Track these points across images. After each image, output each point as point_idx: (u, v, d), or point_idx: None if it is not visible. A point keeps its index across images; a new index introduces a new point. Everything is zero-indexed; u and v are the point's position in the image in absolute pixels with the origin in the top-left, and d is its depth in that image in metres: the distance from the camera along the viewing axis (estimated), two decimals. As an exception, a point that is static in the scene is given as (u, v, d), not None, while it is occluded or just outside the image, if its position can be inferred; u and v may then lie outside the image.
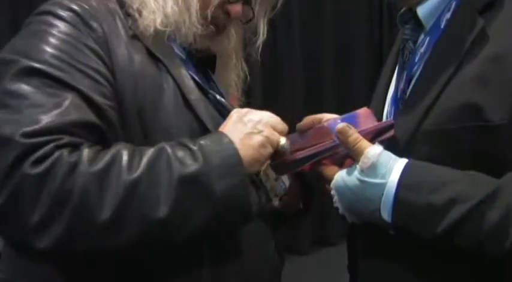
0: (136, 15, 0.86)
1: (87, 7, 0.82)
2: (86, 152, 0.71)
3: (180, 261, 0.79)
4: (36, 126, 0.70)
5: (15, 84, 0.73)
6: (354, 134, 0.78)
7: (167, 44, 0.88)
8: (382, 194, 0.73)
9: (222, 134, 0.78)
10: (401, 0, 0.86)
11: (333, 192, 0.80)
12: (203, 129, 0.83)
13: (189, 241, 0.74)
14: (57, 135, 0.70)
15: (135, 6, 0.86)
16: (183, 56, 0.92)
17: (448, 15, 0.80)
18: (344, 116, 0.92)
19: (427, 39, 0.82)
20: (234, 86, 1.07)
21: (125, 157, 0.72)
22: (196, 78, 0.90)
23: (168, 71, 0.85)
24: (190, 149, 0.75)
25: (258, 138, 0.79)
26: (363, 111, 0.90)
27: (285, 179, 0.95)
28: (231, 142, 0.76)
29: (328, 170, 0.82)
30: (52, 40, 0.77)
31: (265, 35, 1.02)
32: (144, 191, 0.71)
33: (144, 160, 0.72)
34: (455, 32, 0.78)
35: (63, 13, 0.80)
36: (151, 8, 0.85)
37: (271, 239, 0.93)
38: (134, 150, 0.74)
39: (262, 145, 0.79)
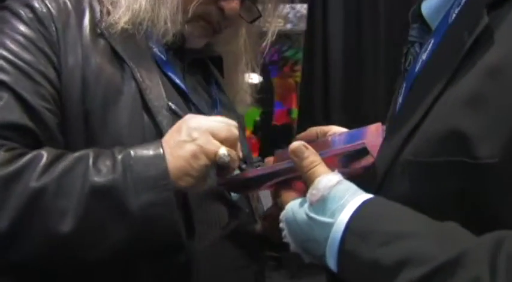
0: (105, 12, 0.79)
1: (47, 3, 0.77)
2: (1, 155, 0.65)
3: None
4: None
5: None
6: (309, 157, 0.62)
7: (141, 44, 0.80)
8: (328, 236, 0.56)
9: (154, 144, 0.68)
10: None
11: (281, 225, 0.63)
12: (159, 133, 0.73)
13: (108, 261, 0.66)
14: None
15: (107, 3, 0.80)
16: (163, 57, 0.83)
17: (456, 11, 0.60)
18: (353, 130, 0.76)
19: (431, 42, 0.62)
20: (245, 90, 0.98)
21: (41, 162, 0.65)
22: (178, 81, 0.82)
23: (132, 73, 0.76)
24: (114, 158, 0.66)
25: (189, 148, 0.66)
26: (374, 127, 0.72)
27: (267, 200, 0.80)
28: (158, 152, 0.66)
29: (286, 195, 0.65)
30: (3, 39, 0.74)
31: (274, 36, 0.93)
32: (50, 201, 0.63)
33: (59, 167, 0.65)
34: (456, 33, 0.58)
35: (21, 10, 0.76)
36: (121, 4, 0.78)
37: (248, 267, 0.80)
38: (58, 156, 0.67)
39: (193, 156, 0.66)
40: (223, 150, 0.67)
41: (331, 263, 0.57)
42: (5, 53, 0.72)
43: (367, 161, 0.63)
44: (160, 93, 0.76)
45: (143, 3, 0.78)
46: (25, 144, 0.69)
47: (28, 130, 0.70)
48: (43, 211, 0.63)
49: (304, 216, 0.59)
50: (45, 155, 0.66)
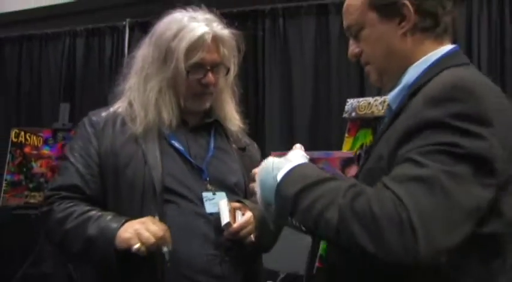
0: (127, 118, 1.32)
1: (95, 117, 1.34)
2: (61, 206, 1.26)
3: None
4: (49, 187, 1.38)
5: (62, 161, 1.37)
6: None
7: (153, 129, 1.29)
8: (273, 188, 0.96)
9: (121, 221, 1.21)
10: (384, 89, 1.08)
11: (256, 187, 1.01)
12: (153, 186, 1.24)
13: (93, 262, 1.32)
14: (57, 192, 1.30)
15: (132, 116, 1.32)
16: (168, 132, 1.30)
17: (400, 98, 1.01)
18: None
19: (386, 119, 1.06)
20: (232, 112, 1.39)
21: (74, 215, 1.25)
22: (178, 146, 1.29)
23: (140, 146, 1.27)
24: (99, 224, 1.22)
25: (128, 234, 1.18)
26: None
27: (226, 218, 1.18)
28: (117, 226, 1.20)
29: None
30: (76, 136, 1.36)
31: (236, 71, 1.37)
32: (71, 235, 1.25)
33: (79, 219, 1.24)
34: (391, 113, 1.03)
35: (86, 120, 1.36)
36: (140, 117, 1.30)
37: (223, 260, 1.24)
38: (81, 212, 1.25)
39: (129, 238, 1.18)
40: (137, 245, 1.15)
41: (274, 204, 0.94)
42: (75, 146, 1.31)
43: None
44: (156, 157, 1.27)
45: (151, 116, 1.28)
46: (77, 197, 1.27)
47: (78, 188, 1.28)
48: (68, 239, 1.25)
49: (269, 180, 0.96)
50: (78, 210, 1.25)
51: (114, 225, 1.18)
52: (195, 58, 1.25)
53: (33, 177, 3.70)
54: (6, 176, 3.69)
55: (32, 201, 3.67)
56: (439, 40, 1.01)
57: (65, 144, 3.71)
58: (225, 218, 1.18)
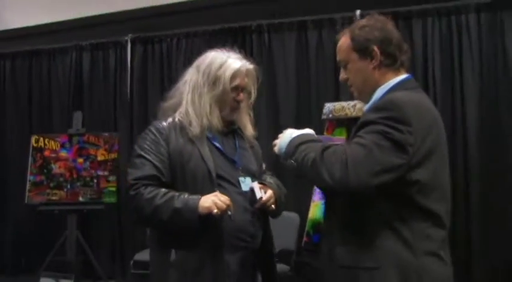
0: (187, 125, 1.81)
1: (161, 125, 1.81)
2: (147, 190, 1.72)
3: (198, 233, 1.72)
4: (134, 177, 1.75)
5: (133, 157, 1.80)
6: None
7: (203, 132, 1.80)
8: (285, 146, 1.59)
9: (199, 197, 1.70)
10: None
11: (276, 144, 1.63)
12: (209, 174, 1.74)
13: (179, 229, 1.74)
14: (141, 180, 1.74)
15: (188, 122, 1.81)
16: (210, 135, 1.82)
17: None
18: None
19: None
20: (248, 123, 1.95)
21: (160, 195, 1.71)
22: (218, 145, 1.82)
23: (196, 146, 1.77)
24: (182, 199, 1.70)
25: (207, 203, 1.69)
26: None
27: (259, 194, 1.76)
28: (198, 198, 1.70)
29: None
30: (146, 140, 1.79)
31: (255, 95, 1.88)
32: (161, 208, 1.69)
33: (166, 197, 1.70)
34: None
35: (152, 128, 1.82)
36: (197, 122, 1.81)
37: (254, 224, 1.80)
38: (165, 193, 1.72)
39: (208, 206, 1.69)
40: (215, 210, 1.66)
41: (285, 149, 1.57)
42: (146, 146, 1.77)
43: None
44: (208, 152, 1.78)
45: (204, 122, 1.79)
46: (155, 184, 1.72)
47: (156, 177, 1.73)
48: (159, 211, 1.69)
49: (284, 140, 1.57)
50: (160, 192, 1.70)
51: (195, 198, 1.66)
52: (235, 82, 1.79)
53: (54, 177, 4.20)
54: (30, 177, 4.18)
55: (53, 198, 4.17)
56: (397, 72, 1.57)
57: (79, 147, 4.23)
58: (258, 194, 1.74)
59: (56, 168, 4.21)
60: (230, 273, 1.69)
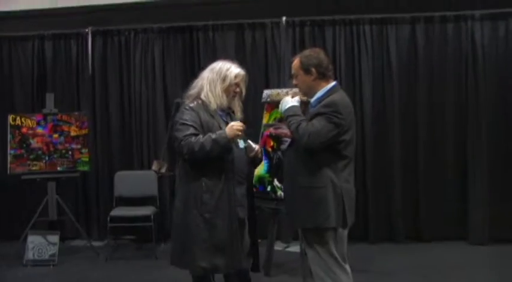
0: (207, 102, 2.78)
1: (192, 105, 2.77)
2: (193, 138, 2.68)
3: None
4: (184, 134, 2.71)
5: (178, 125, 2.74)
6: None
7: (215, 109, 2.79)
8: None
9: (224, 131, 2.71)
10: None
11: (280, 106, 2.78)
12: (226, 136, 2.70)
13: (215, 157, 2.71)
14: (187, 136, 2.71)
15: (208, 102, 2.79)
16: (219, 111, 2.82)
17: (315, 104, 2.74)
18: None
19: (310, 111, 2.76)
20: (239, 109, 2.92)
21: (201, 137, 2.68)
22: (225, 119, 2.83)
23: (214, 118, 2.77)
24: (215, 134, 2.69)
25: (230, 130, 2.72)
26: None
27: (254, 146, 2.86)
28: (225, 131, 2.71)
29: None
30: (184, 113, 2.77)
31: (245, 91, 2.91)
32: (204, 143, 2.66)
33: (205, 137, 2.68)
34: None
35: (187, 107, 2.78)
36: (213, 104, 2.78)
37: (248, 162, 2.86)
38: (204, 137, 2.68)
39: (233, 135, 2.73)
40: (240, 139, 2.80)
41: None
42: (186, 117, 2.74)
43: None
44: (220, 120, 2.81)
45: (218, 102, 2.79)
46: (196, 135, 2.72)
47: (196, 134, 2.71)
48: (204, 147, 2.66)
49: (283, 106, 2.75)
50: (201, 138, 2.68)
51: (222, 131, 2.67)
52: (235, 80, 2.81)
53: (33, 150, 4.90)
54: (10, 151, 4.84)
55: (34, 168, 4.88)
56: (327, 81, 2.73)
57: (54, 125, 4.96)
58: (254, 147, 2.84)
59: (34, 143, 4.90)
60: (236, 199, 2.78)
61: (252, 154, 2.86)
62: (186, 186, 2.77)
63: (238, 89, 2.86)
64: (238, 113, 2.94)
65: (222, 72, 2.82)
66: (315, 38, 5.15)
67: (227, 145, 2.67)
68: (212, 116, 2.78)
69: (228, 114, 2.90)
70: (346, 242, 2.71)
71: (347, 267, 2.66)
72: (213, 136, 2.66)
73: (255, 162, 2.97)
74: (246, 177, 2.86)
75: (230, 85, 2.81)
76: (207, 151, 2.64)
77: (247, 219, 2.85)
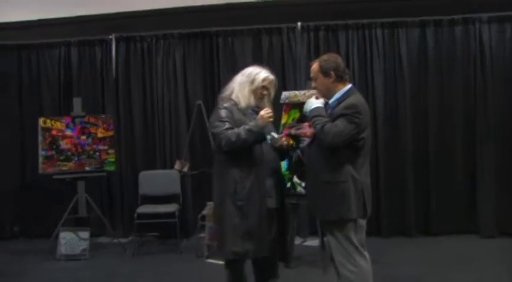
0: (238, 103, 3.05)
1: (226, 105, 3.06)
2: (230, 131, 2.95)
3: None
4: (221, 129, 2.98)
5: (216, 123, 3.03)
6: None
7: (247, 108, 3.06)
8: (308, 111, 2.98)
9: (256, 121, 3.00)
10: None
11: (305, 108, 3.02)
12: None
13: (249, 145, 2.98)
14: (225, 130, 2.98)
15: (239, 102, 3.06)
16: (250, 110, 3.07)
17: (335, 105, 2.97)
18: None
19: (329, 110, 2.99)
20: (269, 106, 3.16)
21: (236, 129, 2.95)
22: (253, 115, 3.07)
23: (245, 115, 3.03)
24: (249, 125, 2.97)
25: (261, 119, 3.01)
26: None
27: (279, 136, 3.11)
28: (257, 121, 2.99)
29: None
30: (219, 113, 3.04)
31: (274, 93, 3.18)
32: (240, 133, 2.92)
33: (240, 128, 2.95)
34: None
35: (221, 107, 3.06)
36: (242, 103, 3.05)
37: (276, 157, 3.12)
38: (239, 129, 2.96)
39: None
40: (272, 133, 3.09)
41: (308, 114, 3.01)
42: (221, 116, 3.02)
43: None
44: (251, 117, 3.05)
45: (248, 102, 3.05)
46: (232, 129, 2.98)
47: (231, 128, 2.97)
48: (240, 136, 2.92)
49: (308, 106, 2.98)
50: (236, 130, 2.94)
51: (253, 121, 2.93)
52: (263, 84, 3.07)
53: (62, 152, 5.18)
54: (41, 152, 5.12)
55: (64, 168, 5.15)
56: (344, 83, 2.98)
57: (82, 127, 5.23)
58: (277, 136, 3.06)
59: (64, 144, 5.18)
60: (265, 190, 3.00)
61: (278, 144, 3.09)
62: (221, 180, 3.02)
63: (266, 92, 3.10)
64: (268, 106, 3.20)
65: (252, 76, 3.08)
66: (329, 41, 5.39)
67: (261, 132, 2.93)
68: (244, 114, 3.03)
69: (257, 113, 3.13)
70: (365, 230, 2.94)
71: (366, 254, 2.89)
72: (247, 127, 2.92)
73: (282, 155, 3.21)
74: (274, 169, 3.11)
75: (258, 87, 3.06)
76: (243, 139, 2.89)
77: (277, 211, 3.08)
